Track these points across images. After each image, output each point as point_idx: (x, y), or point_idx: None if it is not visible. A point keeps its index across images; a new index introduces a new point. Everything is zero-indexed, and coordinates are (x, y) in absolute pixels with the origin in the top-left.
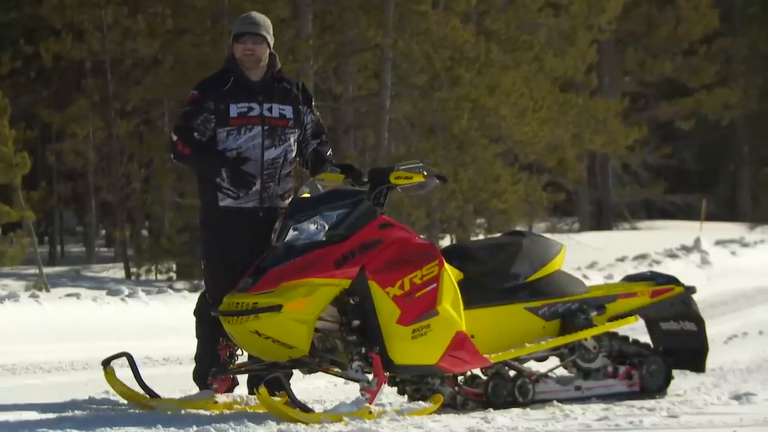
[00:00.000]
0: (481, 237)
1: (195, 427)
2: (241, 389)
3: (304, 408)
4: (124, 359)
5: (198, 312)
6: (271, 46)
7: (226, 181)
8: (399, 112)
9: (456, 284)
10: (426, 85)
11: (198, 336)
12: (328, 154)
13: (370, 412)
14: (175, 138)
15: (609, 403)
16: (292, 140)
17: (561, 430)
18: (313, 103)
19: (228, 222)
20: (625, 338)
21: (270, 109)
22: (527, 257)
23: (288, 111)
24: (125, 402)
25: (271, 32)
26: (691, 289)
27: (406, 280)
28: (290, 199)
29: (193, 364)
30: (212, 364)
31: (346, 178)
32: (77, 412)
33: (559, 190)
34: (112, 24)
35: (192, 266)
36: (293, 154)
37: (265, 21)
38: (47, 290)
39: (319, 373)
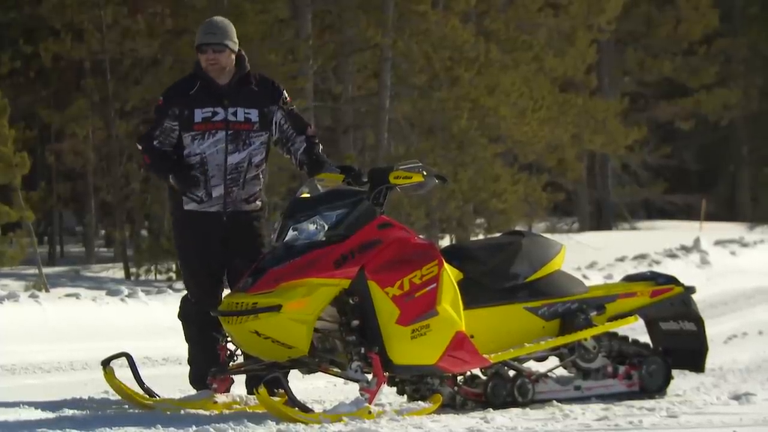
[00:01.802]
0: (480, 237)
1: (194, 427)
2: (240, 389)
3: (304, 408)
4: (123, 359)
5: (183, 315)
6: (236, 51)
7: (177, 186)
8: (398, 112)
9: (455, 284)
10: (425, 85)
11: (187, 339)
12: (321, 152)
13: (370, 412)
14: (140, 148)
15: (608, 403)
16: (257, 143)
17: (560, 430)
18: (285, 98)
19: (194, 224)
20: (625, 338)
21: (235, 113)
22: (527, 257)
23: (253, 114)
24: (125, 402)
25: (234, 37)
26: (690, 289)
27: (405, 280)
28: (256, 201)
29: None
30: (206, 365)
31: (345, 178)
32: (77, 412)
33: (559, 190)
34: (112, 24)
35: None
36: (259, 158)
37: (225, 27)
38: (47, 290)
39: (319, 373)
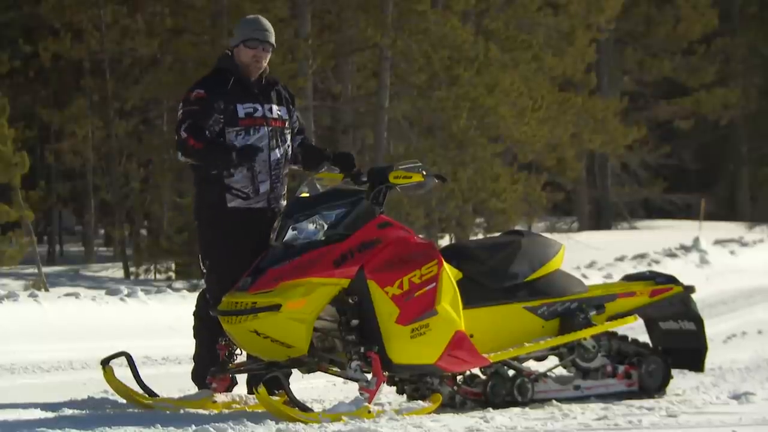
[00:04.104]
0: (480, 236)
1: (194, 427)
2: (240, 389)
3: (303, 407)
4: (123, 359)
5: (198, 313)
6: None
7: (236, 176)
8: (398, 111)
9: (455, 284)
10: (425, 85)
11: (197, 336)
12: (313, 143)
13: (369, 412)
14: (185, 135)
15: (608, 402)
16: (289, 140)
17: (560, 429)
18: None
19: (237, 223)
20: (624, 337)
21: (270, 110)
22: (526, 257)
23: (283, 112)
24: (124, 401)
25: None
26: (690, 289)
27: (405, 280)
28: (286, 199)
29: (192, 364)
30: (211, 364)
31: (345, 178)
32: (76, 412)
33: (558, 190)
34: (111, 23)
35: (191, 266)
36: (290, 155)
37: (271, 27)
38: (46, 290)
39: (318, 373)
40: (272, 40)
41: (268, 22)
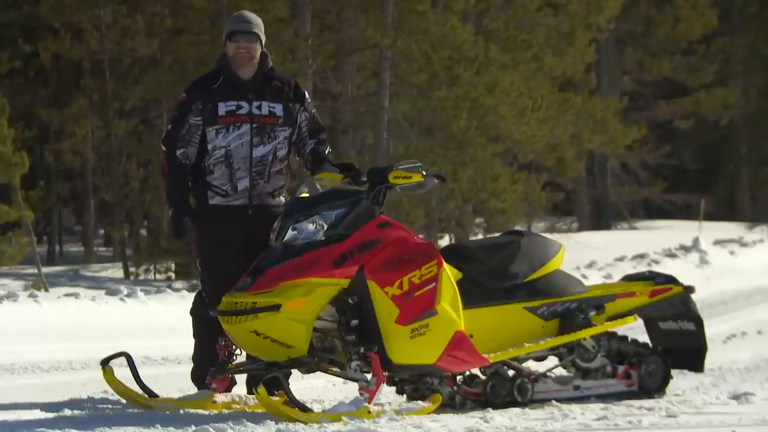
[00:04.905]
0: (480, 236)
1: (193, 427)
2: (240, 389)
3: (303, 408)
4: (122, 359)
5: (194, 312)
6: (263, 44)
7: (215, 173)
8: (398, 111)
9: (455, 284)
10: (425, 85)
11: (195, 336)
12: (326, 153)
13: (369, 412)
14: (164, 149)
15: (608, 402)
16: (281, 138)
17: (560, 429)
18: (308, 100)
19: (218, 220)
20: (624, 338)
21: (259, 107)
22: (526, 257)
23: (278, 109)
24: (124, 402)
25: (263, 30)
26: (689, 289)
27: (404, 280)
28: (281, 196)
29: (192, 364)
30: (210, 364)
31: (344, 178)
32: (76, 412)
33: (558, 190)
34: (111, 23)
35: (191, 266)
36: (284, 152)
37: (257, 19)
38: (46, 290)
39: (318, 373)
40: (256, 30)
41: (253, 15)
